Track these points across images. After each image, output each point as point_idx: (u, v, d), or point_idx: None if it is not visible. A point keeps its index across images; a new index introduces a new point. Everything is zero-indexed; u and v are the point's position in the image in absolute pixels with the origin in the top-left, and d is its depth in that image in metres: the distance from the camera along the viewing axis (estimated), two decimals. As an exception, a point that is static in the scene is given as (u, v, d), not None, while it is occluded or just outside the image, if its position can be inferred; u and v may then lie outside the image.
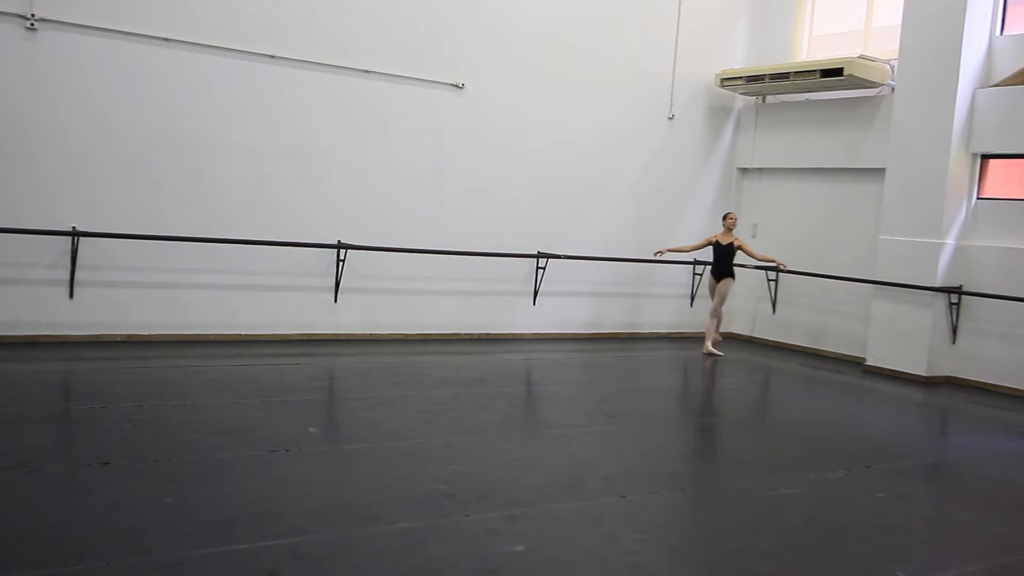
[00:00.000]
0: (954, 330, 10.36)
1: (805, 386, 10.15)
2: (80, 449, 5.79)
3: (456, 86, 10.71)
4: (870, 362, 10.86)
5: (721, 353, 11.26)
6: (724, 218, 11.34)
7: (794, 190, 12.73)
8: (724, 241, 11.19)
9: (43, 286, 8.63)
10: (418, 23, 10.35)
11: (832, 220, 12.10)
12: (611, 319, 12.38)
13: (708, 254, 11.59)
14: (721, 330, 13.48)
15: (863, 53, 11.36)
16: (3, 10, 8.22)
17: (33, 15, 8.33)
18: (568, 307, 11.89)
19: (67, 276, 8.67)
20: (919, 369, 10.30)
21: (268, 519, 4.48)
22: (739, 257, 11.34)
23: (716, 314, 11.29)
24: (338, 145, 9.99)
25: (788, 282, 12.50)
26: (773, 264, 11.39)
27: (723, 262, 11.20)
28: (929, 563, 4.78)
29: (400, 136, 10.38)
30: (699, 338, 12.90)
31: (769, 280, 12.60)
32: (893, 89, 10.97)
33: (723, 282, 11.19)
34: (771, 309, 12.74)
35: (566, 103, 11.56)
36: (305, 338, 9.89)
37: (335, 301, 10.07)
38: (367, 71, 10.05)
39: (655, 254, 11.28)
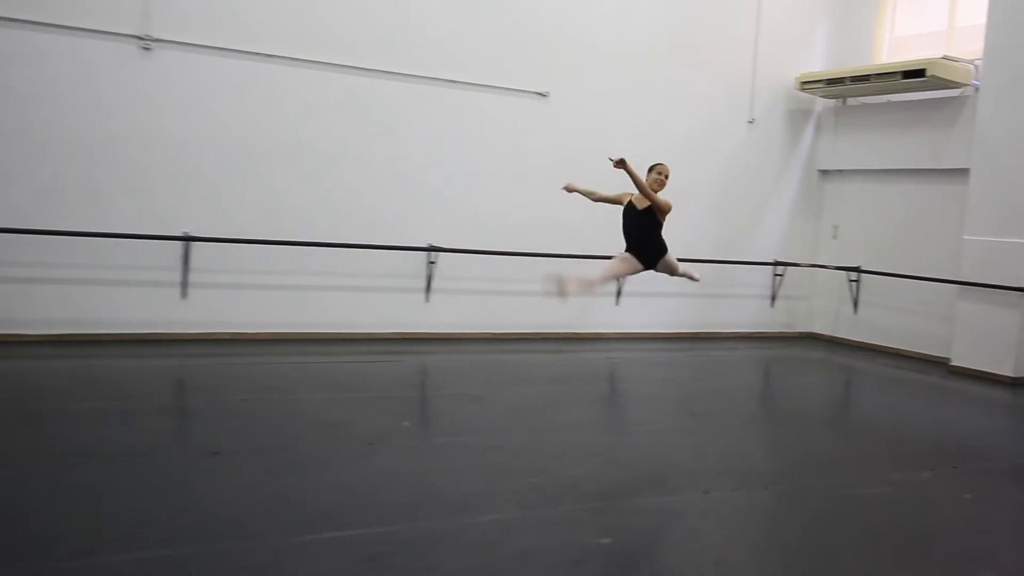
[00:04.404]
0: (1042, 330, 9.91)
1: (888, 386, 9.83)
2: (192, 439, 5.97)
3: (541, 94, 10.71)
4: (955, 362, 10.45)
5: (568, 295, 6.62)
6: (649, 170, 6.79)
7: (875, 191, 12.35)
8: (640, 204, 6.75)
9: (158, 287, 8.93)
10: (504, 36, 10.39)
11: (914, 221, 11.68)
12: (691, 319, 12.21)
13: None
14: (800, 329, 13.21)
15: (946, 54, 10.95)
16: (120, 31, 8.54)
17: (147, 36, 8.64)
18: (650, 308, 11.77)
19: (179, 278, 8.96)
20: (1006, 370, 9.86)
21: (366, 508, 4.54)
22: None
23: (685, 272, 7.33)
24: (429, 153, 10.09)
25: (869, 283, 12.13)
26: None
27: (644, 236, 6.84)
28: (1018, 565, 4.57)
29: (487, 143, 10.43)
30: (779, 338, 12.67)
31: (851, 280, 12.24)
32: (977, 89, 10.54)
33: (662, 264, 6.99)
34: (852, 309, 12.38)
35: (647, 109, 11.44)
36: (398, 337, 10.01)
37: (426, 301, 10.17)
38: (455, 81, 10.13)
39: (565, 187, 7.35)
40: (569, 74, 10.85)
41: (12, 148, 8.21)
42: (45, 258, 8.38)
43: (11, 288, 8.30)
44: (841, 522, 4.95)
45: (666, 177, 6.74)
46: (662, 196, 6.70)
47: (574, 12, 10.81)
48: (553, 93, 10.76)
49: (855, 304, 12.33)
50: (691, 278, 7.42)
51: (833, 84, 11.95)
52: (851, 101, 12.58)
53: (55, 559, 3.71)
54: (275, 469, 5.15)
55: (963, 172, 10.68)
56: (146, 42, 8.64)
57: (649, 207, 6.66)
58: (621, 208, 6.93)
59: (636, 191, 6.66)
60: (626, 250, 6.85)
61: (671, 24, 11.51)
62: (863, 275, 12.08)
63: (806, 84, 12.30)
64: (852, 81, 11.64)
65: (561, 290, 6.41)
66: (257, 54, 9.13)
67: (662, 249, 6.89)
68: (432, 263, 10.05)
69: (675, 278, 7.54)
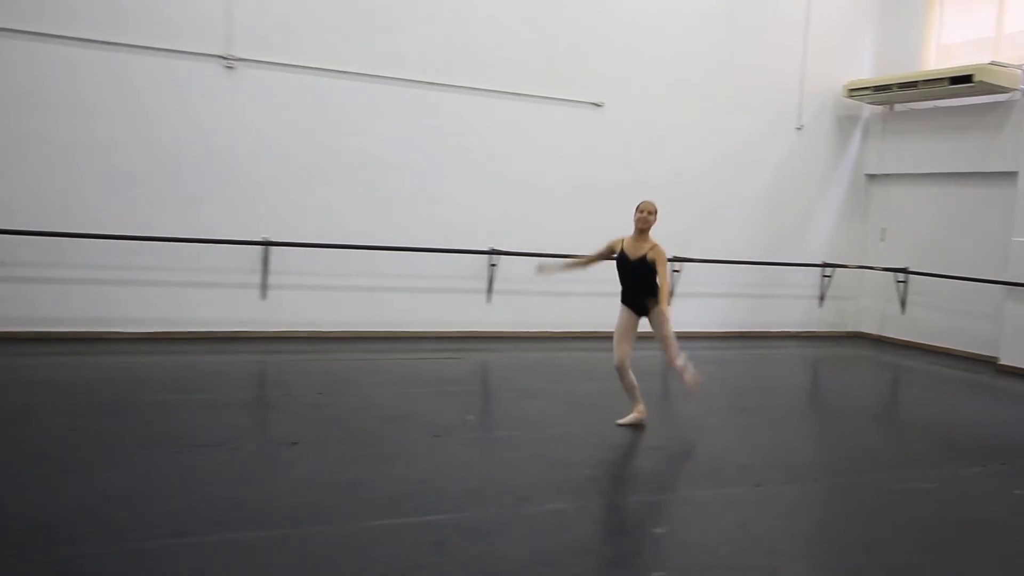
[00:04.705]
0: (1091, 330, 9.55)
1: (936, 384, 9.57)
2: (273, 430, 6.08)
3: (595, 104, 10.68)
4: (1004, 361, 10.13)
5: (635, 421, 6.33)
6: (636, 210, 6.18)
7: (923, 195, 12.02)
8: (633, 254, 6.14)
9: (239, 289, 9.13)
10: (561, 49, 10.38)
11: (961, 223, 11.34)
12: (742, 319, 12.04)
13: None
14: (848, 328, 12.93)
15: (994, 59, 10.62)
16: (206, 52, 8.76)
17: (230, 55, 8.85)
18: (702, 307, 11.63)
19: (259, 280, 9.15)
20: (1055, 368, 9.55)
21: (433, 496, 4.58)
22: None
23: (671, 354, 6.32)
24: (490, 161, 10.13)
25: (916, 283, 11.82)
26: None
27: (636, 285, 6.19)
28: (1069, 560, 4.43)
29: (545, 152, 10.43)
30: (827, 337, 12.42)
31: (898, 282, 11.95)
32: (1025, 93, 10.23)
33: (652, 313, 6.18)
34: (900, 309, 12.09)
35: (698, 116, 11.32)
36: (461, 335, 10.07)
37: (488, 302, 10.21)
38: (516, 93, 10.16)
39: (537, 269, 6.73)
40: (622, 84, 10.79)
41: (112, 162, 8.47)
42: (141, 262, 8.64)
43: (113, 290, 8.57)
44: (890, 515, 4.85)
45: (650, 214, 6.15)
46: (657, 246, 6.18)
47: (627, 24, 10.74)
48: (608, 103, 10.72)
49: (903, 304, 12.03)
50: (682, 376, 6.49)
51: (880, 91, 11.68)
52: (898, 107, 12.28)
53: (157, 538, 3.82)
54: (348, 458, 5.22)
55: (1010, 175, 10.36)
56: (229, 61, 8.85)
57: (643, 257, 6.13)
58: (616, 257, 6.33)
59: (629, 236, 6.23)
60: (621, 300, 6.35)
61: (722, 35, 11.37)
62: (910, 276, 11.78)
63: (854, 91, 12.04)
64: (899, 88, 11.36)
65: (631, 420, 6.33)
66: (330, 71, 9.26)
67: (650, 295, 6.18)
68: (493, 265, 10.09)
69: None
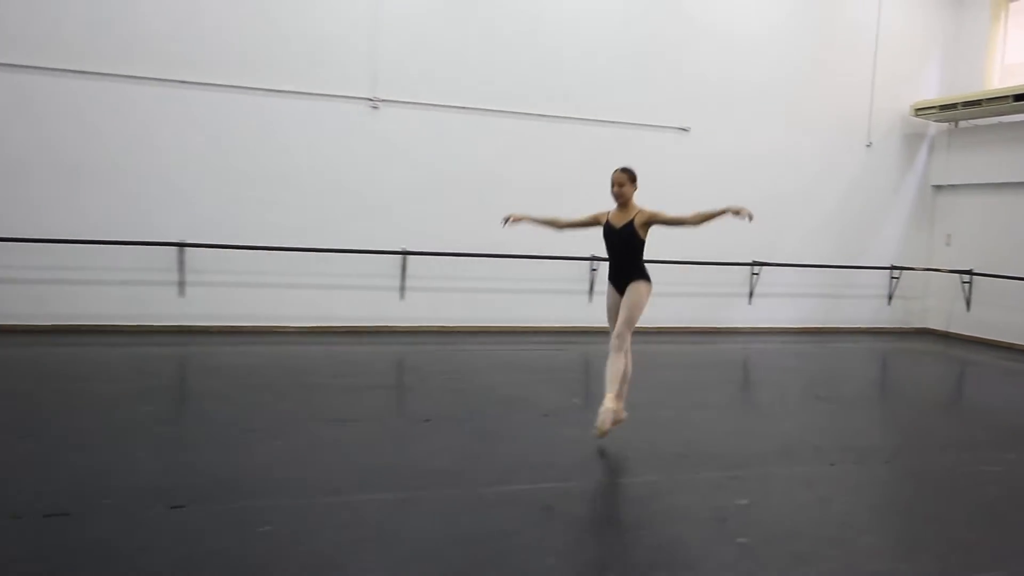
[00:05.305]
0: None
1: (1002, 377, 8.94)
2: (409, 409, 6.24)
3: (682, 129, 10.48)
4: (1067, 355, 9.39)
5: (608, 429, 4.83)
6: (613, 183, 5.12)
7: (986, 203, 11.25)
8: (618, 222, 5.09)
9: (382, 291, 9.39)
10: (650, 79, 10.24)
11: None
12: (816, 316, 11.55)
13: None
14: (915, 325, 12.22)
15: (1057, 77, 9.85)
16: (356, 95, 9.07)
17: (376, 97, 9.13)
18: (778, 305, 11.25)
19: (398, 283, 9.40)
20: (1119, 363, 8.77)
21: (543, 467, 4.59)
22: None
23: (620, 350, 4.98)
24: (584, 181, 10.04)
25: (981, 284, 11.08)
26: (730, 211, 5.02)
27: (620, 257, 5.11)
28: None
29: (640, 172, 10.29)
30: (895, 333, 11.78)
31: (963, 283, 11.23)
32: (1088, 108, 9.43)
33: (629, 290, 5.00)
34: (965, 307, 11.35)
35: (776, 136, 10.94)
36: (566, 330, 10.05)
37: (589, 302, 10.16)
38: (605, 121, 10.08)
39: (504, 221, 5.72)
40: (707, 109, 10.54)
41: (272, 190, 8.90)
42: (298, 268, 9.03)
43: (276, 292, 8.99)
44: (957, 495, 4.56)
45: (620, 186, 5.04)
46: (642, 210, 5.05)
47: (711, 52, 10.49)
48: (693, 128, 10.50)
49: (968, 303, 11.29)
50: (625, 367, 5.02)
51: (946, 110, 11.01)
52: (963, 123, 11.54)
53: (315, 495, 3.99)
54: (471, 433, 5.30)
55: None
56: (375, 102, 9.13)
57: (629, 223, 5.00)
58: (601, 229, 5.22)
59: (612, 210, 5.15)
60: (608, 277, 5.21)
61: (799, 63, 10.96)
62: (975, 277, 11.05)
63: (920, 110, 11.39)
64: (964, 106, 10.68)
65: (606, 425, 4.77)
66: (458, 108, 9.44)
67: (635, 274, 5.00)
68: (594, 270, 10.04)
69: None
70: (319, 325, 9.15)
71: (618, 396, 4.88)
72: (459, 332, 9.57)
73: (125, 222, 8.39)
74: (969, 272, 11.11)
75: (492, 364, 7.97)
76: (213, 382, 6.60)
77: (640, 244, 5.01)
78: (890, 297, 11.89)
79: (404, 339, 9.05)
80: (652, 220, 4.98)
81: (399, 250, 9.29)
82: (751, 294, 11.05)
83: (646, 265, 5.10)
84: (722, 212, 4.81)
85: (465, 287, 9.66)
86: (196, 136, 8.60)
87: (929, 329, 11.98)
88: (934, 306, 11.96)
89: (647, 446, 5.16)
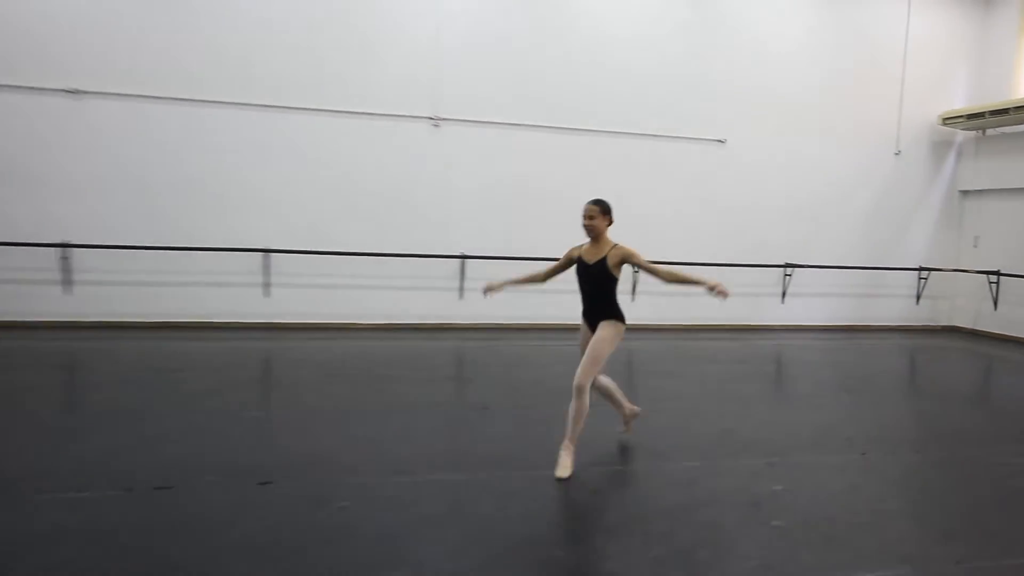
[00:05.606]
0: None
1: (1028, 372, 8.56)
2: (468, 398, 6.28)
3: (720, 141, 10.32)
4: (1095, 352, 8.92)
5: (567, 476, 4.14)
6: (583, 216, 4.44)
7: (1013, 206, 10.77)
8: (590, 258, 4.44)
9: (443, 292, 9.49)
10: (688, 95, 10.11)
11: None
12: (847, 314, 11.24)
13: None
14: (943, 323, 11.78)
15: (1084, 86, 9.38)
16: (417, 115, 9.19)
17: (436, 116, 9.24)
18: (810, 304, 10.98)
19: (458, 284, 9.49)
20: None
21: (589, 452, 4.58)
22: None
23: (581, 397, 4.24)
24: (630, 190, 10.00)
25: (1008, 284, 10.62)
26: (707, 285, 4.15)
27: (592, 295, 4.48)
28: None
29: (675, 181, 10.20)
30: (924, 330, 11.37)
31: (991, 283, 10.77)
32: (1116, 114, 8.94)
33: (599, 329, 4.37)
34: (992, 307, 10.89)
35: (808, 145, 10.69)
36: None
37: (632, 300, 10.07)
38: (646, 134, 9.99)
39: (484, 291, 5.00)
40: (743, 121, 10.36)
41: (341, 201, 9.07)
42: (369, 271, 9.19)
43: (350, 293, 9.17)
44: (986, 485, 4.40)
45: (590, 219, 4.38)
46: (617, 245, 4.38)
47: (746, 68, 10.30)
48: (729, 140, 10.33)
49: (995, 302, 10.84)
50: (582, 409, 4.25)
51: (973, 119, 10.58)
52: (990, 131, 11.08)
53: (382, 475, 4.07)
54: (526, 420, 5.33)
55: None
56: (436, 121, 9.24)
57: (601, 260, 4.35)
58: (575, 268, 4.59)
59: (585, 244, 4.53)
60: (582, 314, 4.58)
61: (830, 76, 10.68)
62: (1002, 277, 10.59)
63: (948, 120, 10.97)
64: (991, 115, 10.25)
65: (564, 472, 4.14)
66: (517, 125, 9.50)
67: (608, 312, 4.40)
68: (636, 272, 9.95)
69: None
70: (388, 323, 9.31)
71: (571, 439, 4.21)
72: (514, 328, 9.61)
73: (215, 230, 8.70)
74: (996, 272, 10.66)
75: (544, 358, 7.98)
76: (295, 373, 6.78)
77: (613, 283, 4.35)
78: (918, 297, 11.49)
79: (463, 335, 9.13)
80: (627, 260, 4.31)
81: (458, 254, 9.38)
82: (784, 294, 10.82)
83: (619, 303, 4.44)
84: (698, 283, 4.18)
85: (521, 289, 9.65)
86: (281, 155, 8.84)
87: (956, 327, 11.53)
88: (962, 305, 11.51)
89: (686, 435, 5.12)
